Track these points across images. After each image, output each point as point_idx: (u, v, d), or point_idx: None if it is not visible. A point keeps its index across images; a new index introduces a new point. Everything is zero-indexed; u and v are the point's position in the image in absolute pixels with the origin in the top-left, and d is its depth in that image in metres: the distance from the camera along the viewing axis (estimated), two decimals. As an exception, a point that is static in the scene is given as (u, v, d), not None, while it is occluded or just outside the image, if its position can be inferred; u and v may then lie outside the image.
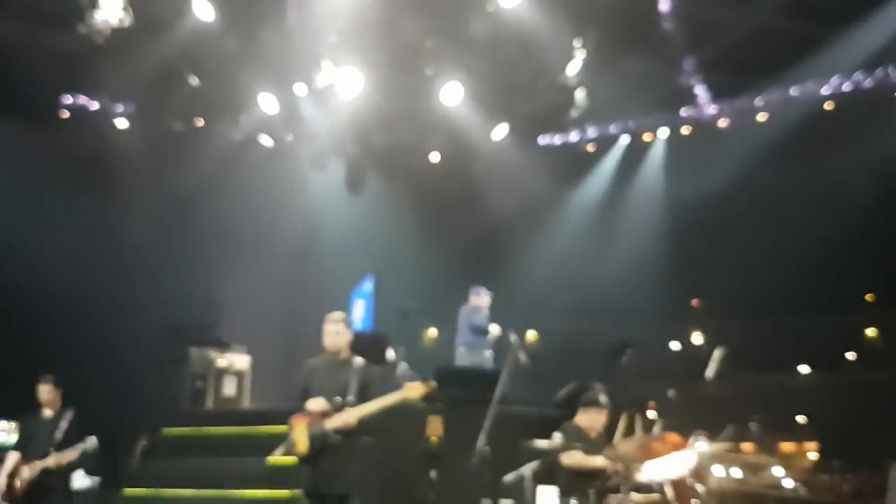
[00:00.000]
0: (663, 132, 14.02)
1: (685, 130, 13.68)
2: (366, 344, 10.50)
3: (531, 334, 11.90)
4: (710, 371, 8.34)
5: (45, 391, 7.39)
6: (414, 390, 5.89)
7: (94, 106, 13.33)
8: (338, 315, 6.19)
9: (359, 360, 6.11)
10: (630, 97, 12.97)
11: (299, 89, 11.26)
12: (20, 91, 11.98)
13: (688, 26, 11.82)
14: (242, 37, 10.38)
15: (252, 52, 10.60)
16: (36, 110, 12.59)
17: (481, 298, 10.84)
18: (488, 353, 10.58)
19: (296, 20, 10.21)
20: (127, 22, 10.34)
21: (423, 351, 12.39)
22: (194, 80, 11.10)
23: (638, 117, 13.98)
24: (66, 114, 13.11)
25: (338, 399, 5.82)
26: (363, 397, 5.89)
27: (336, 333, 6.04)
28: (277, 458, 6.03)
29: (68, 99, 13.17)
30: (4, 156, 12.04)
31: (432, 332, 15.12)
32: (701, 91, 12.99)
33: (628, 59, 11.69)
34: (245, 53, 10.66)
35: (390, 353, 10.77)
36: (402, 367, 9.86)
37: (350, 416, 5.74)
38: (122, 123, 13.41)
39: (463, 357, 10.53)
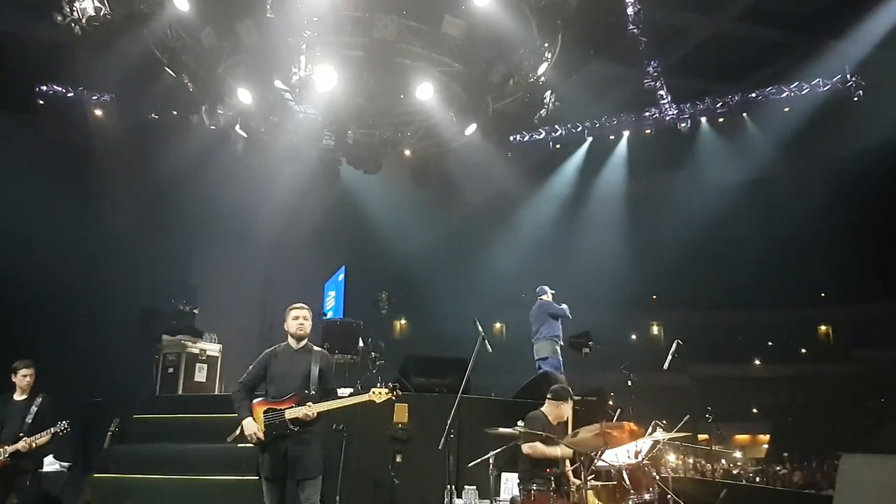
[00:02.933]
0: (626, 133, 14.43)
1: (647, 132, 14.08)
2: (338, 332, 10.82)
3: (497, 325, 12.22)
4: (667, 363, 8.71)
5: (27, 374, 7.40)
6: (379, 396, 6.17)
7: (71, 95, 13.29)
8: (302, 304, 6.35)
9: (317, 349, 6.34)
10: (596, 98, 13.32)
11: (276, 83, 11.37)
12: (-3, 79, 12.05)
13: (653, 31, 12.17)
14: (220, 30, 10.46)
15: (229, 45, 10.70)
16: (12, 99, 12.56)
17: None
18: None
19: (273, 15, 10.30)
20: (104, 13, 10.37)
21: (394, 339, 12.64)
22: (172, 72, 11.18)
23: (603, 118, 14.35)
24: (42, 102, 13.03)
25: (301, 393, 6.01)
26: (322, 386, 6.14)
27: (304, 320, 6.24)
28: (235, 437, 6.18)
29: (45, 88, 13.10)
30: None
31: (402, 323, 15.44)
32: (663, 94, 13.38)
33: (595, 61, 12.02)
34: (222, 47, 10.76)
35: (361, 342, 11.03)
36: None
37: (311, 410, 5.93)
38: (98, 113, 13.38)
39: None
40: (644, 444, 7.12)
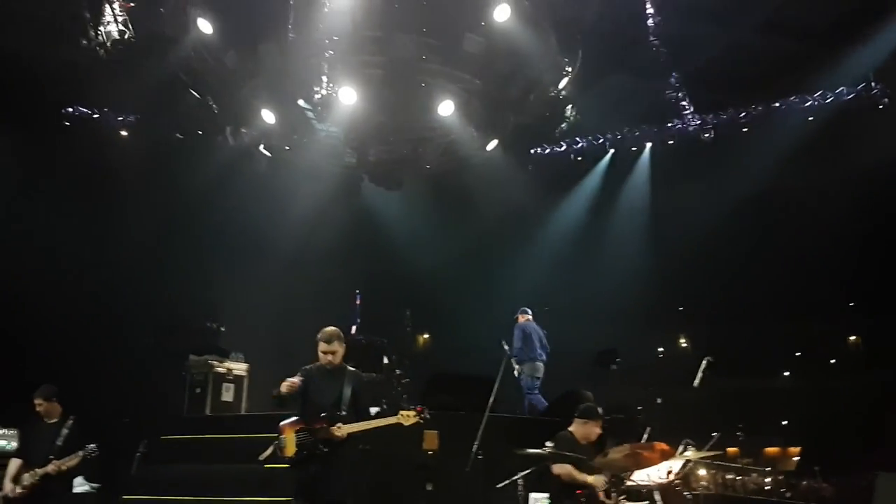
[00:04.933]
0: (649, 144, 14.32)
1: (670, 143, 13.96)
2: (363, 351, 10.81)
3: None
4: (697, 380, 8.60)
5: (39, 405, 7.44)
6: (406, 419, 6.11)
7: (96, 116, 13.47)
8: (331, 335, 6.29)
9: (350, 369, 6.34)
10: (617, 110, 13.26)
11: (298, 103, 11.47)
12: (24, 102, 12.21)
13: (673, 43, 12.10)
14: (243, 52, 10.60)
15: (252, 66, 10.83)
16: (39, 120, 12.75)
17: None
18: None
19: (295, 36, 10.41)
20: (129, 36, 10.55)
21: (416, 356, 12.60)
22: (196, 94, 11.32)
23: (624, 130, 14.27)
24: (68, 123, 13.22)
25: (332, 413, 6.00)
26: (354, 408, 6.13)
27: (332, 355, 6.22)
28: (267, 456, 6.17)
29: (71, 109, 13.30)
30: (11, 163, 12.17)
31: (424, 337, 15.42)
32: (685, 104, 13.27)
33: (616, 73, 11.99)
34: (245, 68, 10.89)
35: (386, 360, 11.02)
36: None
37: (341, 431, 5.93)
38: (124, 133, 13.56)
39: (539, 370, 10.98)
40: (675, 463, 7.03)
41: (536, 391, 11.13)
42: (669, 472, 6.95)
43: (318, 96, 10.98)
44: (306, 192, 14.07)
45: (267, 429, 8.79)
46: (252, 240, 13.90)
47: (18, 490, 7.11)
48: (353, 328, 12.08)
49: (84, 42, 10.67)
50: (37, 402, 7.42)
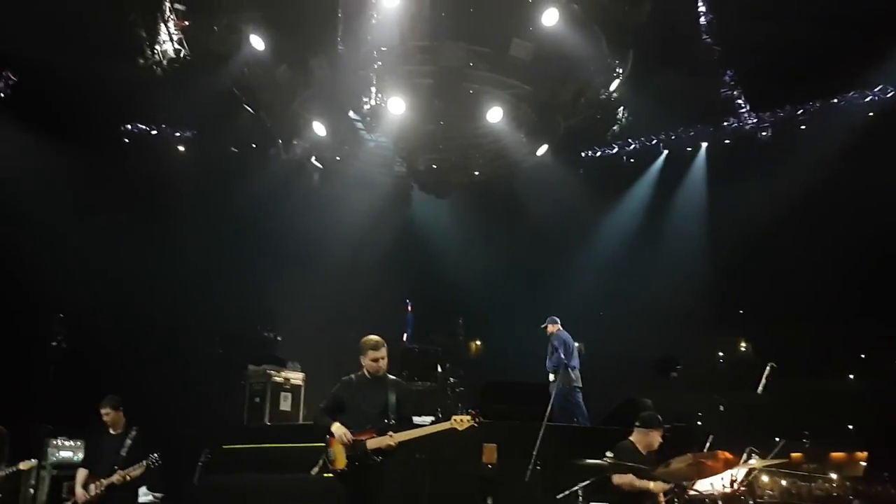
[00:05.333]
0: (704, 144, 14.04)
1: (726, 142, 13.66)
2: (417, 360, 10.85)
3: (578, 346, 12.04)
4: (761, 387, 8.38)
5: (105, 414, 7.60)
6: (460, 424, 5.98)
7: (154, 133, 13.83)
8: (378, 342, 6.30)
9: (392, 378, 6.33)
10: (670, 110, 13.02)
11: (348, 114, 11.61)
12: (85, 120, 12.58)
13: (726, 39, 11.84)
14: (294, 66, 10.76)
15: (303, 80, 10.99)
16: (100, 137, 13.13)
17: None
18: None
19: (344, 48, 10.54)
20: (184, 54, 10.82)
21: (469, 364, 12.55)
22: (249, 108, 11.54)
23: (678, 130, 14.01)
24: (127, 140, 13.60)
25: (381, 422, 5.99)
26: (400, 416, 6.10)
27: (382, 360, 6.23)
28: (317, 470, 6.20)
29: (129, 126, 13.67)
30: (71, 181, 12.50)
31: (477, 344, 15.35)
32: (741, 103, 12.97)
33: (668, 72, 11.79)
34: (296, 82, 11.05)
35: (440, 369, 11.03)
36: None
37: (392, 439, 5.91)
38: (181, 148, 13.89)
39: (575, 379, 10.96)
40: (739, 471, 6.86)
41: (580, 399, 11.00)
42: (733, 481, 6.78)
43: (368, 107, 11.11)
44: (357, 201, 14.20)
45: (322, 438, 8.92)
46: (305, 250, 14.05)
47: (87, 498, 7.29)
48: (405, 336, 12.13)
49: (141, 61, 10.95)
50: (104, 411, 7.59)
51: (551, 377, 11.51)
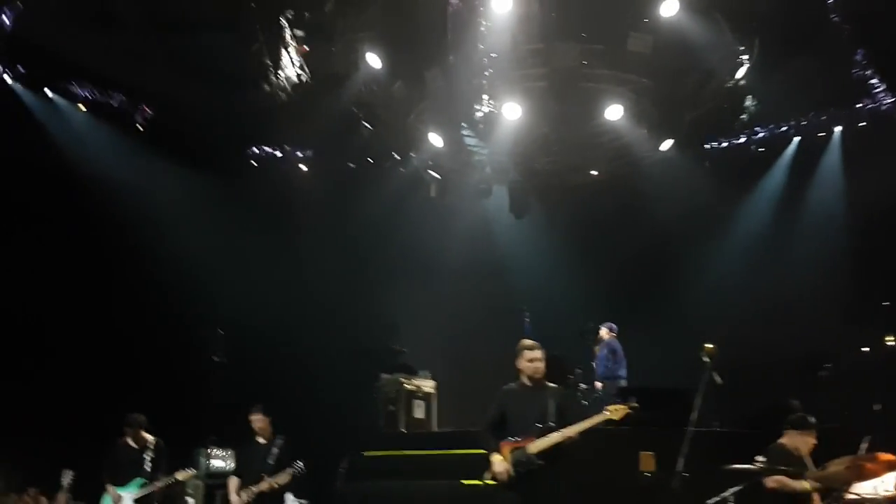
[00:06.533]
0: (838, 129, 13.17)
1: (861, 125, 12.75)
2: (546, 367, 10.72)
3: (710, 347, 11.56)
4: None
5: (257, 420, 7.88)
6: (616, 412, 5.90)
7: (279, 155, 14.43)
8: (534, 343, 6.30)
9: (552, 386, 6.26)
10: (799, 95, 12.31)
11: (462, 124, 11.70)
12: (214, 145, 13.32)
13: (856, 17, 11.07)
14: (409, 81, 10.96)
15: (418, 94, 11.18)
16: (228, 162, 13.82)
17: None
18: None
19: (455, 59, 10.64)
20: (306, 79, 11.26)
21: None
22: (368, 125, 11.86)
23: (809, 115, 13.22)
24: (254, 163, 14.27)
25: (540, 425, 5.91)
26: (562, 422, 5.97)
27: (539, 362, 6.17)
28: (484, 480, 6.15)
29: (256, 150, 14.33)
30: (204, 204, 13.17)
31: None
32: (875, 82, 12.08)
33: (796, 57, 11.17)
34: (412, 96, 11.26)
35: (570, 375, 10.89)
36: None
37: (553, 439, 5.83)
38: (303, 168, 14.42)
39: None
40: (902, 474, 6.38)
41: None
42: None
43: (481, 115, 11.16)
44: (474, 210, 14.26)
45: (460, 445, 8.99)
46: (423, 261, 14.23)
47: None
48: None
49: (266, 87, 11.47)
50: (256, 417, 7.89)
51: (598, 385, 11.54)
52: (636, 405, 6.02)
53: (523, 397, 6.16)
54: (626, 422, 6.14)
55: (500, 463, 5.94)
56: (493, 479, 6.04)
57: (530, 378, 6.18)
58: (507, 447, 6.02)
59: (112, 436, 8.60)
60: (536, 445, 5.86)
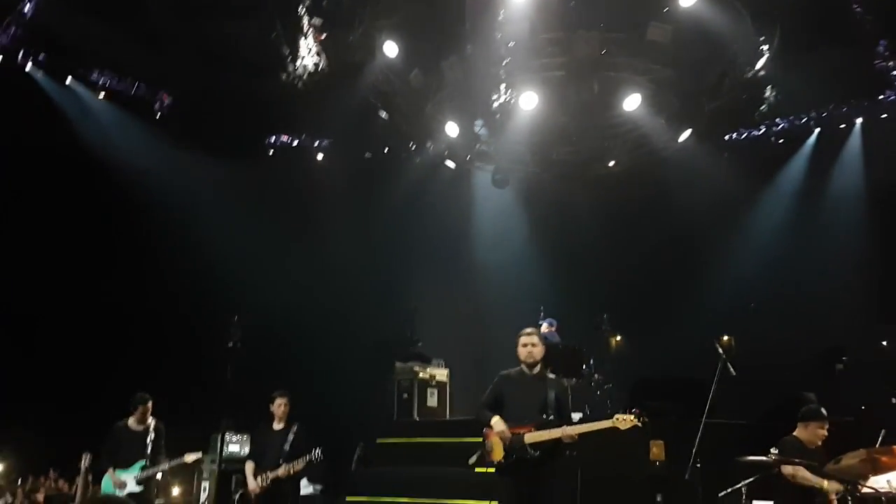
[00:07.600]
0: (859, 120, 13.00)
1: (883, 116, 12.58)
2: (561, 357, 10.74)
3: (727, 339, 11.49)
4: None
5: (281, 404, 7.94)
6: (623, 423, 5.78)
7: (296, 143, 14.50)
8: (531, 329, 6.29)
9: (551, 376, 6.24)
10: (820, 86, 12.16)
11: (479, 113, 11.67)
12: (232, 133, 13.37)
13: (878, 8, 10.88)
14: (426, 70, 10.95)
15: (435, 83, 11.15)
16: (246, 149, 13.88)
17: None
18: None
19: (473, 48, 10.60)
20: (322, 67, 11.28)
21: (614, 359, 12.26)
22: (385, 114, 11.85)
23: (830, 107, 13.06)
24: (271, 151, 14.32)
25: (539, 418, 5.91)
26: (560, 414, 6.00)
27: (532, 346, 6.14)
28: (475, 460, 6.20)
29: (274, 138, 14.39)
30: (221, 191, 13.24)
31: (618, 339, 14.95)
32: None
33: (817, 47, 11.02)
34: (429, 85, 11.24)
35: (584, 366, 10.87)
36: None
37: (552, 434, 5.82)
38: (320, 156, 14.47)
39: None
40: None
41: None
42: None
43: (499, 104, 11.10)
44: (492, 199, 14.22)
45: (472, 433, 9.02)
46: (443, 248, 14.22)
47: (258, 489, 7.66)
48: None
49: (284, 76, 11.51)
50: (280, 401, 7.96)
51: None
52: (646, 420, 5.87)
53: (521, 384, 6.13)
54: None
55: (499, 423, 5.94)
56: (482, 458, 6.07)
57: (526, 364, 6.15)
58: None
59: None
60: (533, 436, 5.85)
